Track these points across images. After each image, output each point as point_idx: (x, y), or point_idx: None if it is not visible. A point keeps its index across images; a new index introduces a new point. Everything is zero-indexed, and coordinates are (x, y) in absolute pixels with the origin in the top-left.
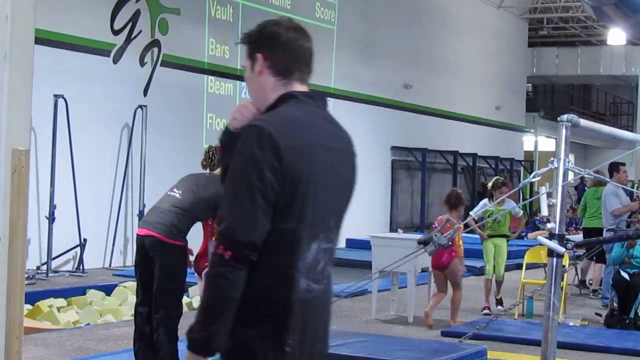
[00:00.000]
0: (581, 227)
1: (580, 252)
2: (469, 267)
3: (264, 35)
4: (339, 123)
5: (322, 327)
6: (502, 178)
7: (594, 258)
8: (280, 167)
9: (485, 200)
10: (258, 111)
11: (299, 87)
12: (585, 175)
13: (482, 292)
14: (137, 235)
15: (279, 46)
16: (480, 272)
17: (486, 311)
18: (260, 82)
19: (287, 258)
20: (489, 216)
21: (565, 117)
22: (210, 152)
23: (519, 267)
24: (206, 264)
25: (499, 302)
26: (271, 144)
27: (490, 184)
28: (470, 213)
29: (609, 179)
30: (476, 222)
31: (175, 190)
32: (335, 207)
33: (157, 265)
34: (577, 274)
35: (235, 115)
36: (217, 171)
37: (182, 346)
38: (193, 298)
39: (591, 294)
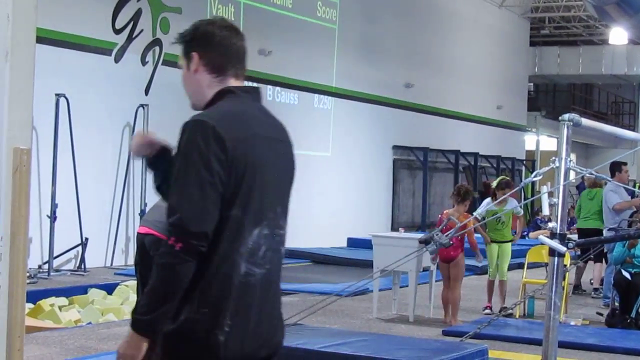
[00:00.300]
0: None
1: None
2: (470, 266)
3: (199, 34)
4: (274, 115)
5: (269, 309)
6: (506, 178)
7: (592, 257)
8: (226, 159)
9: (489, 200)
10: (195, 108)
11: (234, 83)
12: (587, 175)
13: (484, 291)
14: (138, 233)
15: (213, 45)
16: (481, 271)
17: (487, 311)
18: (196, 79)
19: (229, 243)
20: (492, 215)
21: (566, 116)
22: None
23: (520, 266)
24: None
25: (504, 310)
26: (216, 136)
27: (494, 184)
28: (474, 214)
29: (610, 179)
30: (479, 222)
31: None
32: (280, 194)
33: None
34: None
35: (133, 148)
36: None
37: None
38: None
39: (593, 293)
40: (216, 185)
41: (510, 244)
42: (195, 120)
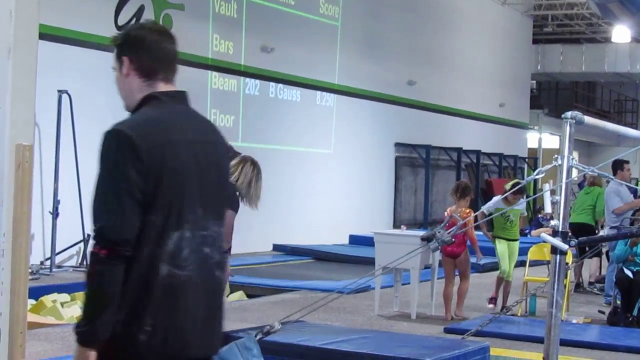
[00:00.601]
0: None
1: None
2: (471, 264)
3: (129, 38)
4: (203, 116)
5: (198, 310)
6: (520, 182)
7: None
8: (142, 167)
9: (499, 198)
10: (128, 110)
11: (164, 87)
12: (589, 173)
13: (486, 289)
14: None
15: (143, 49)
16: (482, 269)
17: (491, 305)
18: (127, 83)
19: (149, 247)
20: (498, 212)
21: (569, 114)
22: None
23: (522, 264)
24: None
25: (506, 309)
26: (132, 145)
27: (508, 186)
28: (482, 208)
29: (612, 177)
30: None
31: None
32: (203, 196)
33: None
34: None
35: None
36: None
37: None
38: None
39: (587, 287)
40: (134, 194)
41: (517, 243)
42: (113, 129)
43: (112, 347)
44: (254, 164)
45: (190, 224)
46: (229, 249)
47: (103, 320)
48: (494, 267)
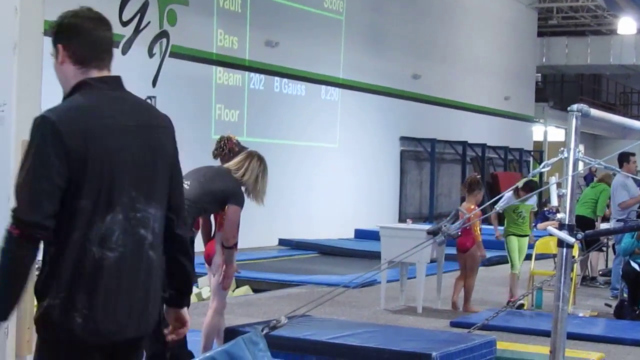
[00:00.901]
0: None
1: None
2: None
3: (63, 26)
4: (141, 102)
5: (131, 291)
6: (534, 181)
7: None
8: (65, 152)
9: (510, 194)
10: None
11: (97, 74)
12: (596, 166)
13: (491, 283)
14: None
15: (76, 37)
16: (488, 263)
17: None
18: (63, 70)
19: (79, 231)
20: (514, 211)
21: (575, 106)
22: (222, 142)
23: (528, 257)
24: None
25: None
26: (54, 131)
27: (521, 184)
28: (496, 207)
29: (619, 169)
30: (499, 214)
31: (184, 181)
32: (136, 180)
33: None
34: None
35: None
36: (228, 164)
37: (192, 337)
38: (202, 289)
39: (589, 282)
40: (53, 178)
41: (527, 238)
42: (40, 115)
43: (50, 331)
44: (260, 160)
45: (122, 206)
46: (235, 244)
47: (11, 296)
48: (500, 260)
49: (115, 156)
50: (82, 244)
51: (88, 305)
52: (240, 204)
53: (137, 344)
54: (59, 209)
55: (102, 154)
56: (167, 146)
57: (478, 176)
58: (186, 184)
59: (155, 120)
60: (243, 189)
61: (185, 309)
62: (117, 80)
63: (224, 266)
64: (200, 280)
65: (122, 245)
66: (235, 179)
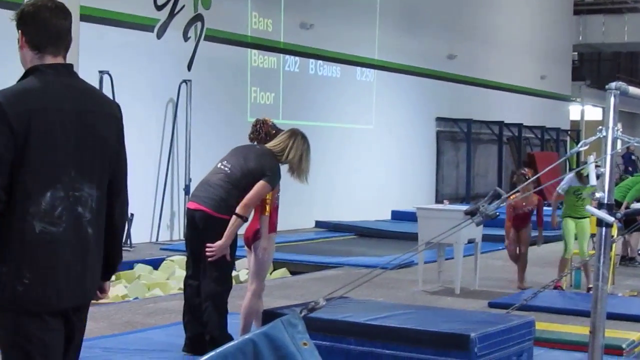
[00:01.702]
0: None
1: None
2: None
3: (23, 14)
4: (90, 89)
5: (74, 264)
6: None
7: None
8: (10, 131)
9: (572, 175)
10: None
11: (51, 60)
12: (634, 144)
13: (537, 262)
14: (187, 208)
15: (33, 24)
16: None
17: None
18: (22, 54)
19: (22, 205)
20: (575, 192)
21: (613, 84)
22: (258, 125)
23: None
24: (256, 236)
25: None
26: (1, 111)
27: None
28: (557, 188)
29: None
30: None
31: (224, 163)
32: (76, 161)
33: (207, 239)
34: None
35: None
36: (269, 144)
37: (230, 319)
38: (240, 271)
39: (627, 262)
40: (2, 155)
41: (587, 220)
42: None
43: (0, 296)
44: (304, 138)
45: (63, 184)
46: (275, 228)
47: None
48: (551, 239)
49: (55, 137)
50: (24, 217)
51: (29, 276)
52: (271, 182)
53: (82, 310)
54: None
55: (42, 134)
56: (107, 132)
57: (523, 171)
58: (227, 168)
59: (99, 107)
60: (287, 168)
61: (107, 282)
62: (67, 67)
63: (224, 239)
64: (237, 262)
65: (65, 221)
66: (275, 159)
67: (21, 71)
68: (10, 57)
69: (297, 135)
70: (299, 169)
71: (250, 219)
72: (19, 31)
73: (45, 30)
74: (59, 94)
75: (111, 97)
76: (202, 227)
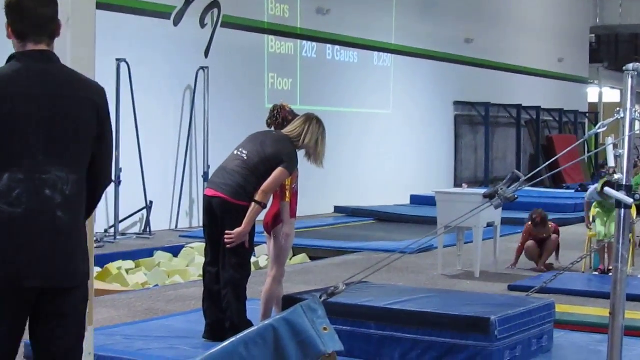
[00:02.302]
0: None
1: None
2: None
3: (8, 4)
4: (66, 74)
5: (39, 245)
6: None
7: None
8: None
9: (594, 188)
10: None
11: (32, 47)
12: None
13: (565, 247)
14: (205, 195)
15: (17, 14)
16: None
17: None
18: (13, 43)
19: None
20: (599, 204)
21: (631, 66)
22: (275, 111)
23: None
24: (276, 222)
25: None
26: None
27: (599, 187)
28: (585, 197)
29: None
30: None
31: (241, 150)
32: (46, 144)
33: (225, 226)
34: None
35: None
36: (285, 130)
37: (250, 305)
38: (259, 257)
39: None
40: None
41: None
42: None
43: None
44: (319, 122)
45: (25, 167)
46: (294, 213)
47: None
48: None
49: (23, 121)
50: None
51: None
52: (289, 168)
53: (63, 295)
54: None
55: (9, 118)
56: (84, 116)
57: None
58: (245, 154)
59: (75, 91)
60: (303, 152)
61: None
62: (44, 53)
63: (243, 226)
64: (257, 249)
65: (25, 203)
66: (292, 144)
67: None
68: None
69: (312, 119)
70: (316, 153)
71: (269, 205)
72: (6, 21)
73: (27, 19)
74: (28, 80)
75: (128, 85)
76: (219, 213)
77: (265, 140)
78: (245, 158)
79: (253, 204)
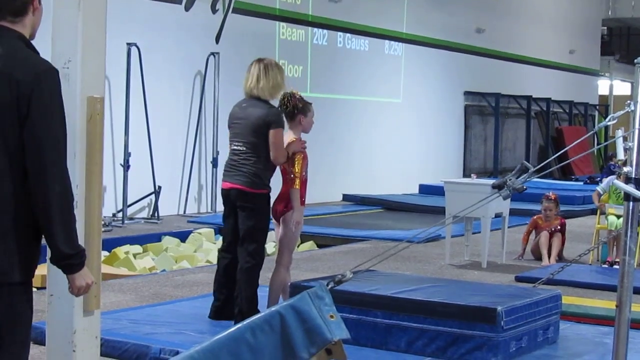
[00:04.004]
0: None
1: None
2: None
3: None
4: (15, 50)
5: None
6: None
7: None
8: None
9: (612, 178)
10: None
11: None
12: None
13: (572, 239)
14: (222, 189)
15: None
16: (570, 216)
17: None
18: None
19: None
20: (614, 191)
21: None
22: (286, 99)
23: (593, 212)
24: (285, 209)
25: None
26: None
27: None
28: (597, 188)
29: None
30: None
31: (236, 143)
32: None
33: (243, 215)
34: None
35: None
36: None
37: (258, 292)
38: (267, 244)
39: None
40: None
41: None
42: None
43: None
44: (261, 61)
45: None
46: (303, 200)
47: None
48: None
49: None
50: None
51: None
52: (278, 124)
53: None
54: None
55: None
56: (11, 97)
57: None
58: (240, 145)
59: (9, 69)
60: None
61: (74, 275)
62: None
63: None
64: None
65: None
66: (264, 102)
67: None
68: None
69: (257, 65)
70: (281, 86)
71: (278, 192)
72: None
73: None
74: None
75: (139, 70)
76: (238, 203)
77: (245, 117)
78: (244, 149)
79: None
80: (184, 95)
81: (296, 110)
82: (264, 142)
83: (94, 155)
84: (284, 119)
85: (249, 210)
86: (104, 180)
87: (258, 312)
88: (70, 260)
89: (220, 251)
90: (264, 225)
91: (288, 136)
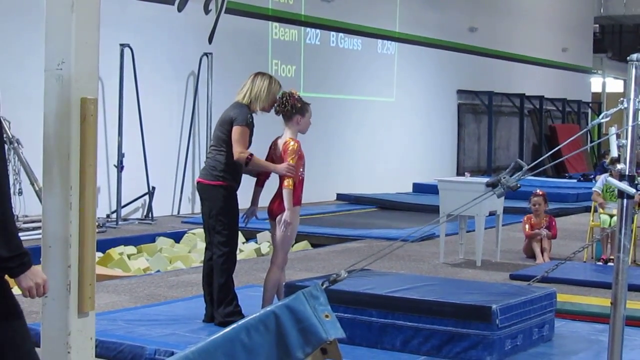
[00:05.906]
0: None
1: None
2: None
3: None
4: None
5: None
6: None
7: None
8: None
9: (606, 175)
10: None
11: None
12: None
13: (565, 237)
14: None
15: None
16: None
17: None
18: None
19: None
20: (607, 190)
21: (635, 56)
22: (284, 99)
23: (587, 210)
24: (280, 208)
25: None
26: None
27: (608, 161)
28: (593, 188)
29: None
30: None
31: (212, 143)
32: None
33: (204, 207)
34: None
35: None
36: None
37: (252, 292)
38: (261, 244)
39: None
40: None
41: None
42: None
43: None
44: (262, 75)
45: None
46: (299, 201)
47: None
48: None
49: None
50: None
51: None
52: (240, 122)
53: None
54: None
55: None
56: None
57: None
58: (213, 143)
59: None
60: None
61: (19, 277)
62: None
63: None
64: (259, 235)
65: None
66: (241, 106)
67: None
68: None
69: (253, 76)
70: (268, 100)
71: (275, 191)
72: None
73: None
74: None
75: (132, 71)
76: (200, 197)
77: (221, 121)
78: (212, 143)
79: (245, 161)
80: (178, 96)
81: (294, 109)
82: (228, 137)
83: (87, 157)
84: (283, 118)
85: (206, 200)
86: (98, 181)
87: (233, 299)
88: (8, 263)
89: (205, 249)
90: (225, 215)
91: (284, 136)
